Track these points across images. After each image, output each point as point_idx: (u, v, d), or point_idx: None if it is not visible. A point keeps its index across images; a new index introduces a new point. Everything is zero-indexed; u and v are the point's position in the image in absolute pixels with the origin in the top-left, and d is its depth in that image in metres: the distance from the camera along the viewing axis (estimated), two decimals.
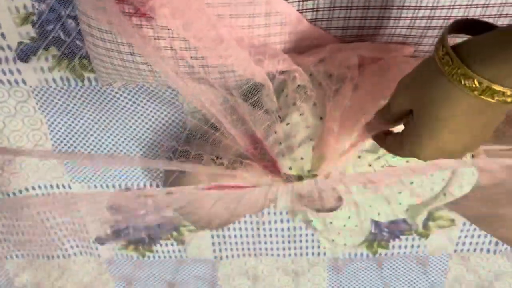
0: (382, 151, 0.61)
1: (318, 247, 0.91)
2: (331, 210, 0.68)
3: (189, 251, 0.93)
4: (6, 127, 0.77)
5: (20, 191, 0.85)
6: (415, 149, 0.41)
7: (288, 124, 0.63)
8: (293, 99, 0.60)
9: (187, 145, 0.70)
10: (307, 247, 0.91)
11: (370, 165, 0.62)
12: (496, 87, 0.33)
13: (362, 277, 0.95)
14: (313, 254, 0.92)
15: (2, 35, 0.67)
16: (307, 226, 0.82)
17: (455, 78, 0.35)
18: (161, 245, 0.93)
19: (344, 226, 0.70)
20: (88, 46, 0.61)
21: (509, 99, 0.34)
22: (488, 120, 0.37)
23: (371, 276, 0.95)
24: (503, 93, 0.34)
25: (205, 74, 0.58)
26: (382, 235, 0.88)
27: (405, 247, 0.89)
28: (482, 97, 0.34)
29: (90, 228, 0.91)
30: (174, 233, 0.91)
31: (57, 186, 0.85)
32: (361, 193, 0.67)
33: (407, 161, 0.61)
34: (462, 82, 0.34)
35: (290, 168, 0.62)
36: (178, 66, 0.57)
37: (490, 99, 0.34)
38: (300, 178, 0.61)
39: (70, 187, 0.85)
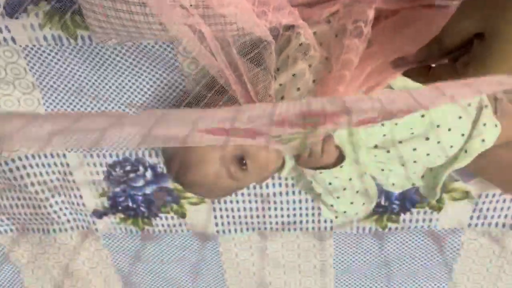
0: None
1: (325, 221, 0.87)
2: (331, 166, 0.64)
3: (190, 225, 0.90)
4: None
5: (13, 160, 0.81)
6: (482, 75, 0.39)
7: (280, 85, 0.58)
8: (294, 58, 0.56)
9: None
10: (313, 221, 0.87)
11: (383, 125, 0.58)
12: None
13: (369, 253, 0.91)
14: (319, 228, 0.88)
15: None
16: (310, 195, 0.78)
17: None
18: (161, 218, 0.89)
19: (344, 189, 0.65)
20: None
21: None
22: None
23: (377, 252, 0.91)
24: None
25: (207, 25, 0.54)
26: (392, 208, 0.83)
27: (416, 221, 0.85)
28: None
29: (87, 200, 0.87)
30: (175, 206, 0.87)
31: (51, 155, 0.81)
32: (370, 154, 0.62)
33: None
34: None
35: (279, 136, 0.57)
36: (179, 15, 0.52)
37: None
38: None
39: (65, 156, 0.81)
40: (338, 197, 0.65)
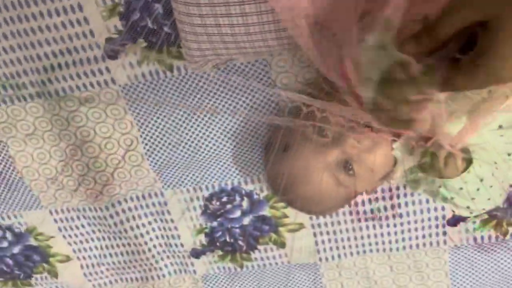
0: None
1: (437, 234, 0.80)
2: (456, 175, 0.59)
3: (291, 255, 0.86)
4: (97, 135, 0.75)
5: (113, 205, 0.83)
6: (496, 70, 0.35)
7: None
8: None
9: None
10: (424, 236, 0.80)
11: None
12: None
13: (491, 266, 0.83)
14: (431, 244, 0.81)
15: (91, 32, 0.66)
16: (433, 198, 0.72)
17: None
18: (259, 251, 0.86)
19: (478, 190, 0.60)
20: (179, 20, 0.59)
21: None
22: None
23: (499, 264, 0.82)
24: None
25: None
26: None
27: None
28: None
29: (184, 239, 0.86)
30: (273, 235, 0.84)
31: (150, 196, 0.82)
32: (495, 135, 0.58)
33: None
34: None
35: None
36: None
37: None
38: None
39: (162, 194, 0.81)
40: (473, 199, 0.60)
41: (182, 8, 0.56)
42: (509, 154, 0.61)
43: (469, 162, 0.59)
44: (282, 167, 0.64)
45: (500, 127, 0.58)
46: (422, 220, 0.79)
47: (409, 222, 0.79)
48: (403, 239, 0.81)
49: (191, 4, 0.54)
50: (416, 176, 0.66)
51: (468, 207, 0.62)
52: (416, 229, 0.80)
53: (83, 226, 0.86)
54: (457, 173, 0.59)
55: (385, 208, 0.78)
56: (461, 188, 0.60)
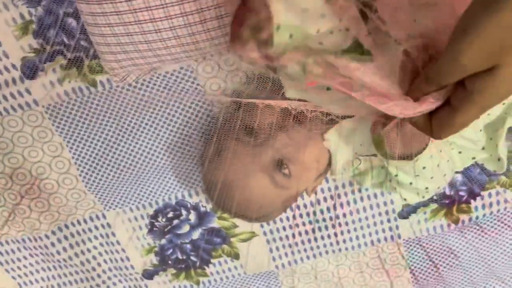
0: None
1: (390, 228, 0.79)
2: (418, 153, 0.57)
3: (246, 265, 0.83)
4: (26, 160, 0.71)
5: (53, 232, 0.78)
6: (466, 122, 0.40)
7: None
8: None
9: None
10: (376, 232, 0.79)
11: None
12: None
13: (447, 255, 0.82)
14: (385, 239, 0.80)
15: (4, 53, 0.63)
16: (381, 190, 0.71)
17: None
18: (214, 265, 0.83)
19: (438, 166, 0.59)
20: (90, 32, 0.56)
21: None
22: None
23: (455, 252, 0.81)
24: None
25: None
26: (460, 196, 0.75)
27: (490, 205, 0.76)
28: None
29: (134, 261, 0.83)
30: (226, 247, 0.81)
31: (91, 219, 0.78)
32: None
33: None
34: None
35: None
36: None
37: None
38: None
39: (105, 216, 0.78)
40: (431, 178, 0.59)
41: (89, 19, 0.53)
42: (450, 144, 0.60)
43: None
44: (217, 174, 0.62)
45: None
46: (373, 216, 0.77)
47: (360, 220, 0.78)
48: (357, 237, 0.79)
49: (97, 14, 0.52)
50: (362, 168, 0.64)
51: (427, 188, 0.61)
52: (368, 226, 0.78)
53: (25, 257, 0.82)
54: (425, 143, 0.56)
55: (327, 209, 0.77)
56: (424, 168, 0.58)
